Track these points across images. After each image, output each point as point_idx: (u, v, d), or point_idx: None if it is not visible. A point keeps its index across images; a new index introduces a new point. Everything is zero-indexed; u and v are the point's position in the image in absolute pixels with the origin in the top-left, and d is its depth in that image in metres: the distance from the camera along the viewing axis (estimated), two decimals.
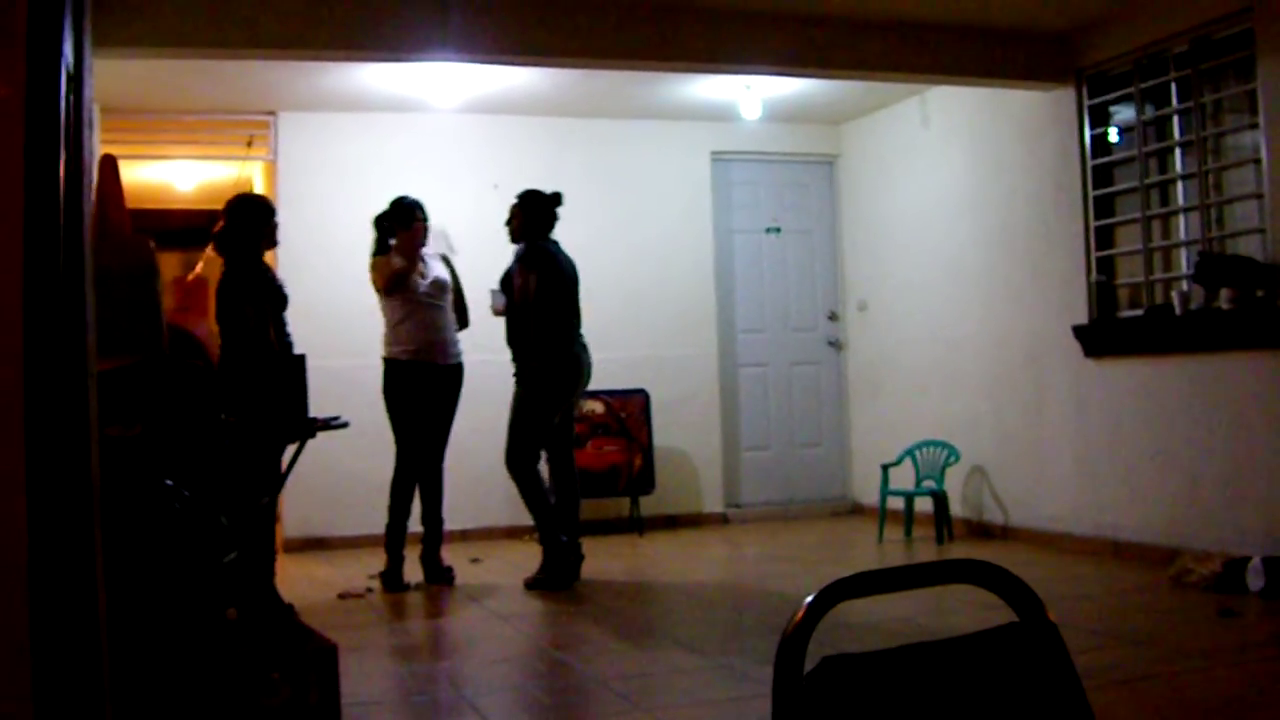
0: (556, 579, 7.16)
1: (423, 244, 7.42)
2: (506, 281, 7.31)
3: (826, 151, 10.69)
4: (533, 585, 7.19)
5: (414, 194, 9.45)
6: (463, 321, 7.57)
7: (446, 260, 7.57)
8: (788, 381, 10.56)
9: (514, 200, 7.41)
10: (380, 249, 7.36)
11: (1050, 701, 1.57)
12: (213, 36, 6.70)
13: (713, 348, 10.25)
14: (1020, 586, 1.58)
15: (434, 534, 7.50)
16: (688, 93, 9.30)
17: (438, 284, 7.40)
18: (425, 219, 7.44)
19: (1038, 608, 1.57)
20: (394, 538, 7.38)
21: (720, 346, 10.30)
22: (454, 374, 7.46)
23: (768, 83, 8.93)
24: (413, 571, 7.39)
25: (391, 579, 7.32)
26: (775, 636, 1.53)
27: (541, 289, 7.16)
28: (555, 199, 7.34)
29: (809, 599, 1.47)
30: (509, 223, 7.38)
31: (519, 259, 7.29)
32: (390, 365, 7.33)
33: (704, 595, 7.28)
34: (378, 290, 7.31)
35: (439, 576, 7.45)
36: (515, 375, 7.30)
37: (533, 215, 7.31)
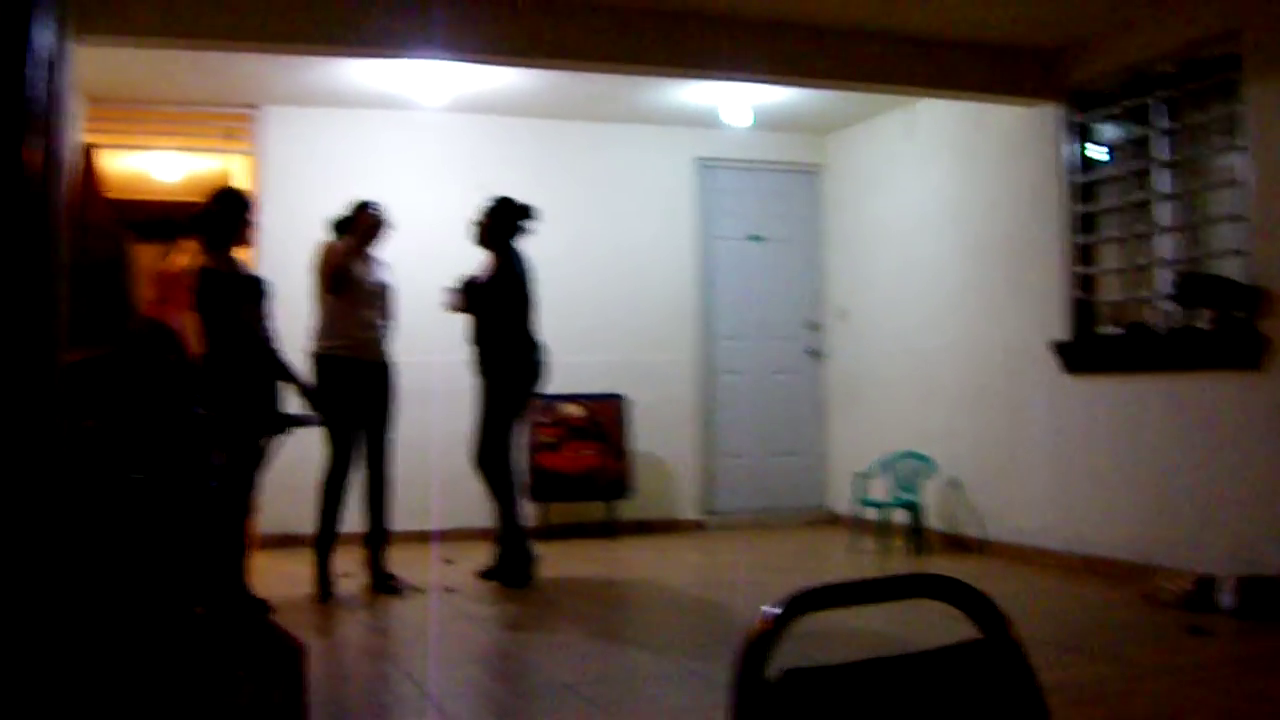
0: (513, 575, 7.22)
1: (372, 238, 7.27)
2: (473, 284, 7.39)
3: (811, 160, 10.70)
4: (488, 575, 7.29)
5: (397, 191, 9.46)
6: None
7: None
8: (767, 389, 10.55)
9: (488, 204, 7.48)
10: None
11: (1013, 719, 1.56)
12: (196, 27, 6.67)
13: (693, 354, 10.24)
14: (984, 602, 1.56)
15: (379, 540, 7.27)
16: (674, 98, 9.29)
17: (380, 285, 7.28)
18: (377, 214, 7.26)
19: (1001, 624, 1.56)
20: (324, 545, 7.07)
21: (700, 353, 10.29)
22: (386, 372, 7.27)
23: (755, 90, 8.92)
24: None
25: (322, 588, 7.03)
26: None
27: (516, 293, 7.33)
28: (526, 211, 7.43)
29: (774, 610, 1.46)
30: (479, 223, 7.47)
31: (495, 265, 7.40)
32: (324, 361, 7.07)
33: (675, 601, 7.26)
34: (322, 280, 7.08)
35: (384, 586, 7.21)
36: (483, 373, 7.38)
37: (502, 223, 7.43)
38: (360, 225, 7.21)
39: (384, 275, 7.36)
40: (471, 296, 7.36)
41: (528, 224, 7.48)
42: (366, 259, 7.27)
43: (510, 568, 7.26)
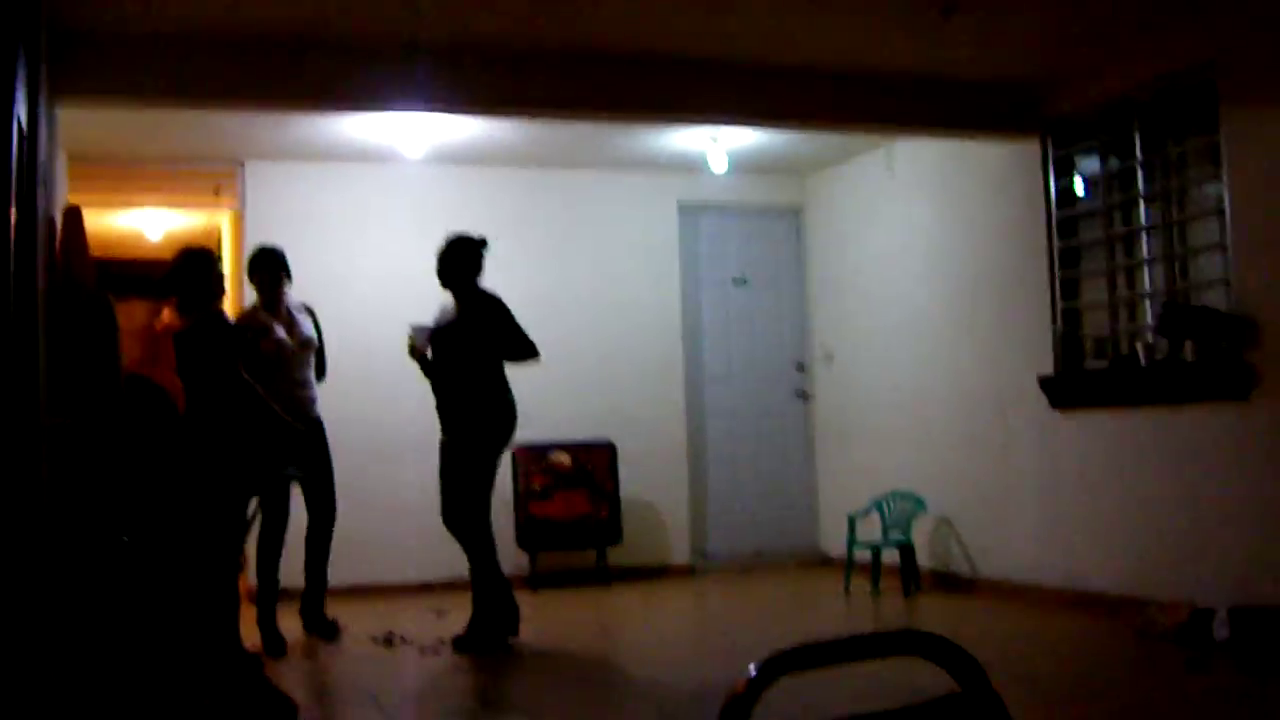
0: (486, 641, 6.84)
1: (275, 291, 7.25)
2: (447, 329, 7.04)
3: (793, 202, 10.74)
4: (461, 647, 6.85)
5: (383, 243, 9.48)
6: (320, 373, 7.39)
7: (311, 312, 7.40)
8: (755, 432, 10.55)
9: (442, 244, 7.10)
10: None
11: None
12: (179, 88, 6.70)
13: (680, 399, 10.24)
14: (961, 655, 1.57)
15: (318, 585, 7.32)
16: (655, 144, 9.33)
17: (305, 341, 7.22)
18: (285, 269, 7.27)
19: (981, 676, 1.56)
20: (267, 601, 7.02)
21: (687, 398, 10.30)
22: (317, 429, 7.26)
23: (734, 134, 8.96)
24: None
25: (273, 643, 6.91)
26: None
27: (481, 334, 6.97)
28: (483, 243, 7.11)
29: (750, 673, 1.46)
30: (437, 265, 7.07)
31: (468, 307, 7.02)
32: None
33: (666, 652, 7.20)
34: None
35: (321, 629, 7.27)
36: (453, 425, 7.01)
37: (461, 261, 7.04)
38: (257, 283, 7.26)
39: (307, 329, 7.30)
40: (435, 342, 7.03)
41: (483, 259, 7.10)
42: (285, 315, 7.23)
43: (486, 629, 6.87)
